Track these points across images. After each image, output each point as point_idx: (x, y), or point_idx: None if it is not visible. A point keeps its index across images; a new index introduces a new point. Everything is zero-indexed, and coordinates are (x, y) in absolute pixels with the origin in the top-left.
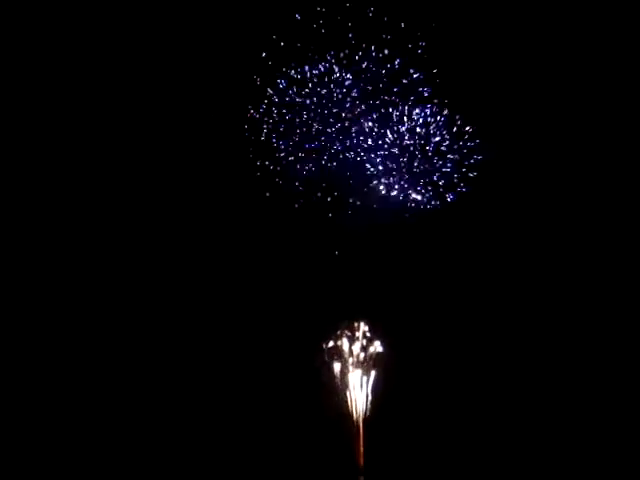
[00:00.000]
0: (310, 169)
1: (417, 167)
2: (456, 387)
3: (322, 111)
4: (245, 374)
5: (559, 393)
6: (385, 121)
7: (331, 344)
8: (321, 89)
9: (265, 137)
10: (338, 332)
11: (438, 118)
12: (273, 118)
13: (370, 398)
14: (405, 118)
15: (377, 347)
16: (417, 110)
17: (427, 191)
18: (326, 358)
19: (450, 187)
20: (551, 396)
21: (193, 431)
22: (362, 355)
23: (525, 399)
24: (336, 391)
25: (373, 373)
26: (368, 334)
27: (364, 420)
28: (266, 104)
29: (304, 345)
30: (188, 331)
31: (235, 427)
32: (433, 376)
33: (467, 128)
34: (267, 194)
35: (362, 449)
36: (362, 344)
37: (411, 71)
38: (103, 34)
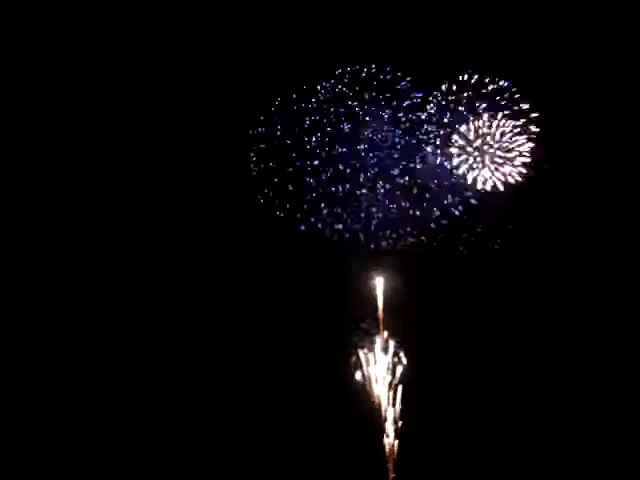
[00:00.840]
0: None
1: None
2: (483, 393)
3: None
4: (271, 382)
5: (566, 394)
6: None
7: (355, 357)
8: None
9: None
10: (363, 344)
11: None
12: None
13: (398, 408)
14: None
15: (402, 358)
16: None
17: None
18: (352, 369)
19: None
20: (559, 401)
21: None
22: (388, 365)
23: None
24: (363, 400)
25: (398, 380)
26: (392, 345)
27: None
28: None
29: (329, 356)
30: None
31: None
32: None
33: None
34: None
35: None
36: (387, 356)
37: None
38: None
